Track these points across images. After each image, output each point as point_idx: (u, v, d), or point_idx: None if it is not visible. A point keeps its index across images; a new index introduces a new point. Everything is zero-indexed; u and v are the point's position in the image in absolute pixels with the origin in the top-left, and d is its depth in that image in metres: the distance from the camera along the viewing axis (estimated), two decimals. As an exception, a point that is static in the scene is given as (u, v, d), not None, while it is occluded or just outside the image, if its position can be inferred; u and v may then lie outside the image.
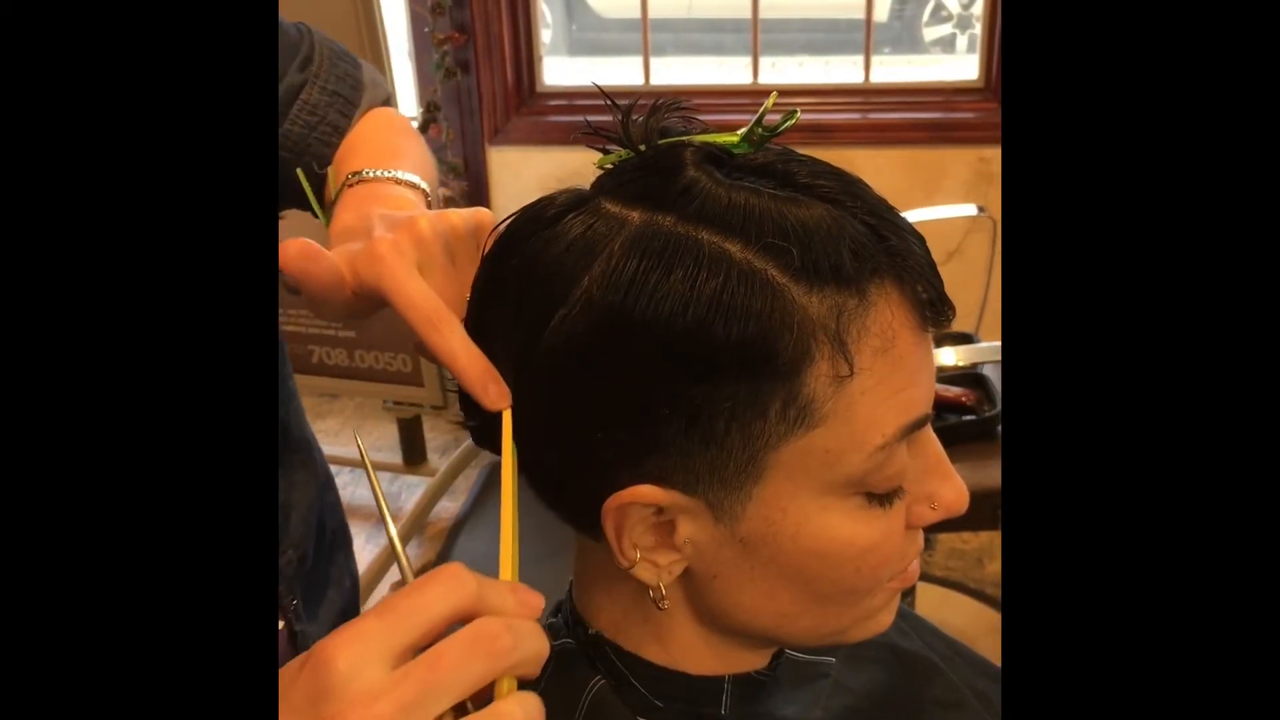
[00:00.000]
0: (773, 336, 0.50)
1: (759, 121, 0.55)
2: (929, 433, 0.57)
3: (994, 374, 1.74)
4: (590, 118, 0.60)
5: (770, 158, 0.55)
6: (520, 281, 0.55)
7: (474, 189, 2.91)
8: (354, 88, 0.87)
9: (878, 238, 0.53)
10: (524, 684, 0.47)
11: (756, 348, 0.50)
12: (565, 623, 0.65)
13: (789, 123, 0.56)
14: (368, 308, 0.61)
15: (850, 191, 0.53)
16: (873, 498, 0.55)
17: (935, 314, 0.54)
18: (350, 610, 0.93)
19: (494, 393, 0.56)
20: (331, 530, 0.91)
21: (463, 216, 0.63)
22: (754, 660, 0.64)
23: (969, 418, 1.67)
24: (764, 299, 0.50)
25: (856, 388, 0.52)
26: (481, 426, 0.59)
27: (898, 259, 0.53)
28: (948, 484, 0.58)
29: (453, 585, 0.46)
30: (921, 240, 0.54)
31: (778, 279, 0.51)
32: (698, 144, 0.55)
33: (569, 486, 0.57)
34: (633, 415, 0.52)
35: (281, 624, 0.81)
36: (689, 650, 0.61)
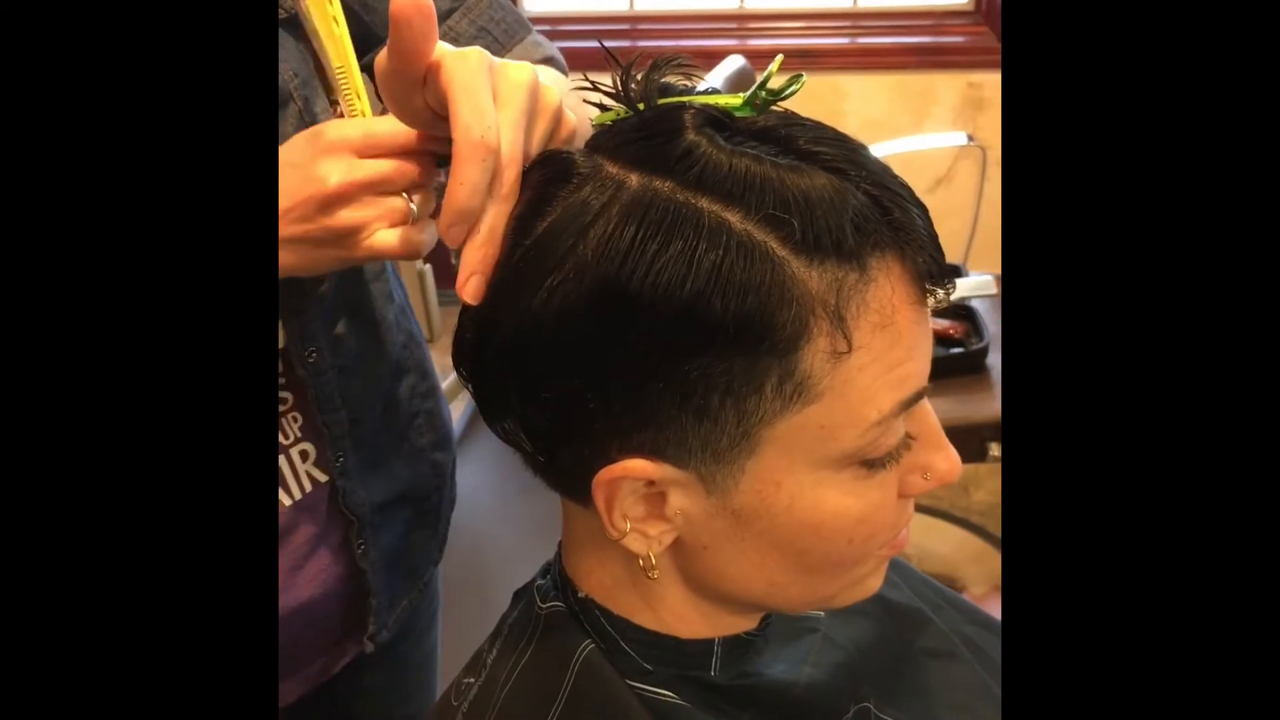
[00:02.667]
0: (771, 311, 0.49)
1: (762, 84, 0.53)
2: (924, 404, 0.56)
3: (983, 307, 1.74)
4: (578, 44, 0.58)
5: (772, 121, 0.53)
6: (511, 235, 0.54)
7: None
8: (506, 32, 0.87)
9: (880, 210, 0.51)
10: None
11: (754, 322, 0.49)
12: (554, 584, 0.65)
13: (794, 88, 0.54)
14: (424, 119, 0.58)
15: (852, 159, 0.52)
16: (870, 463, 0.54)
17: (936, 288, 0.53)
18: (411, 492, 0.95)
19: (471, 287, 0.54)
20: (411, 414, 0.94)
21: (558, 102, 0.58)
22: (744, 623, 0.64)
23: (957, 350, 1.67)
24: (763, 272, 0.49)
25: (854, 364, 0.51)
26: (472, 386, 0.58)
27: (900, 233, 0.51)
28: (941, 454, 0.57)
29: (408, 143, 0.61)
30: (924, 211, 0.53)
31: (778, 252, 0.49)
32: (698, 106, 0.53)
33: (558, 454, 0.56)
34: (626, 387, 0.51)
35: (325, 477, 0.85)
36: (679, 615, 0.61)
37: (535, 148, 0.56)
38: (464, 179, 0.51)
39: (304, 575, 0.85)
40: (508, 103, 0.53)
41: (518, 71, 0.55)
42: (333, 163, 0.60)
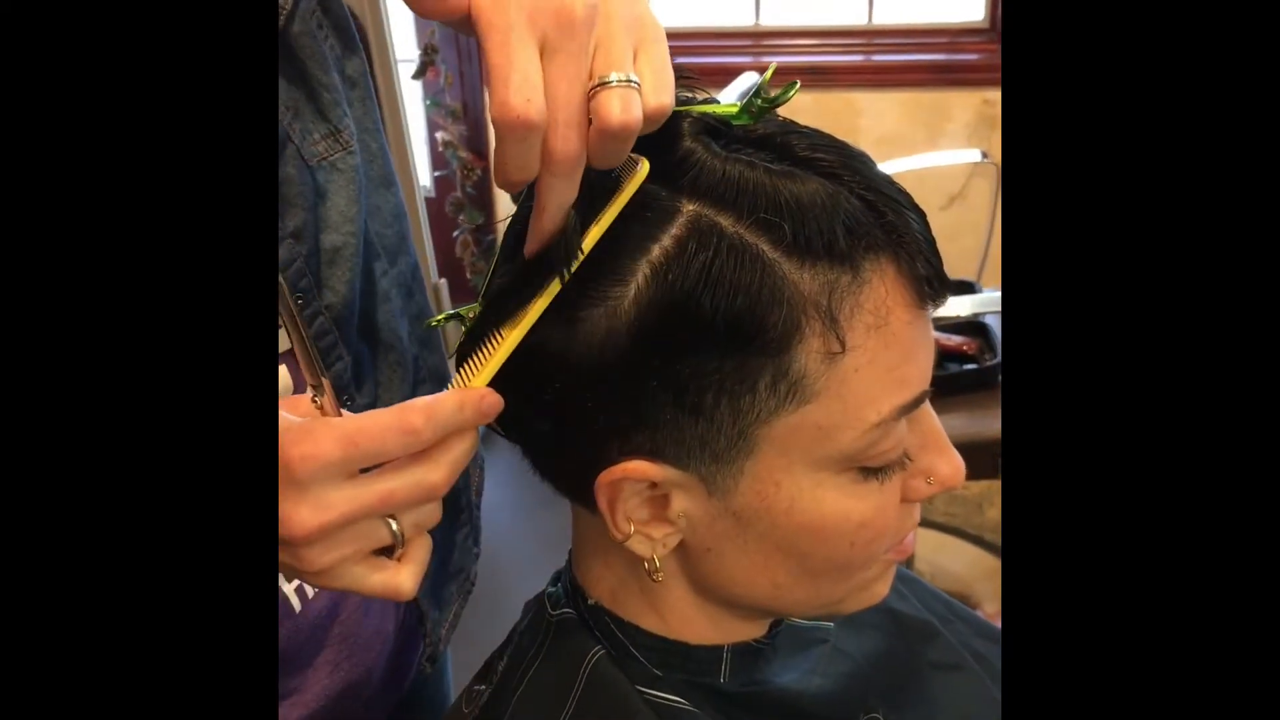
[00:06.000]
0: (761, 311, 0.50)
1: (758, 92, 0.54)
2: (926, 408, 0.57)
3: (996, 323, 1.74)
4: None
5: (770, 129, 0.54)
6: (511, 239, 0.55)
7: (473, 133, 2.89)
8: None
9: (874, 214, 0.52)
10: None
11: (744, 322, 0.50)
12: (564, 591, 0.66)
13: (789, 94, 0.55)
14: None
15: (849, 166, 0.53)
16: (867, 472, 0.55)
17: (933, 292, 0.53)
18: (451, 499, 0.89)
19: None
20: None
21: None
22: (752, 630, 0.64)
23: (970, 367, 1.67)
24: (753, 273, 0.50)
25: (849, 365, 0.52)
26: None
27: (894, 236, 0.52)
28: (944, 458, 0.58)
29: (408, 441, 0.50)
30: (921, 216, 0.54)
31: (769, 254, 0.50)
32: (695, 114, 0.54)
33: (562, 457, 0.57)
34: (621, 387, 0.52)
35: None
36: (686, 621, 0.62)
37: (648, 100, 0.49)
38: (503, 157, 0.48)
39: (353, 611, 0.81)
40: (556, 49, 0.47)
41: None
42: (302, 502, 0.49)
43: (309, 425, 0.50)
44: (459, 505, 0.95)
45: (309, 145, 0.71)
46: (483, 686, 0.66)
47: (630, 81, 0.48)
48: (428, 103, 2.88)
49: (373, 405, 0.80)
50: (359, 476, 0.51)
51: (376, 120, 0.80)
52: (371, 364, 0.81)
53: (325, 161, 0.72)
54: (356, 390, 0.77)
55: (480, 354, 0.53)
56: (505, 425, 0.58)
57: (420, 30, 2.80)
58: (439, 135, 2.87)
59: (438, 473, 0.51)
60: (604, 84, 0.48)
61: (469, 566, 0.97)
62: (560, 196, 0.49)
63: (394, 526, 0.52)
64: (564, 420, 0.55)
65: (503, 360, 0.53)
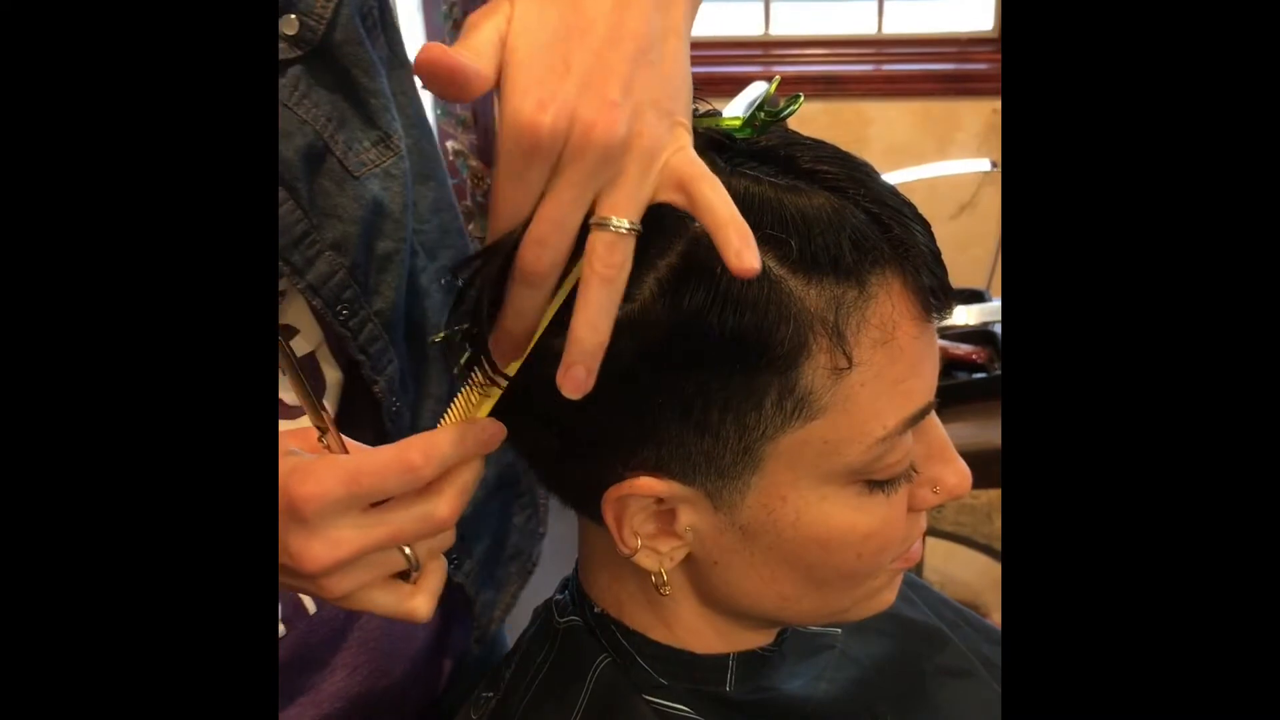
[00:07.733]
0: (769, 328, 0.50)
1: (761, 106, 0.54)
2: (932, 418, 0.57)
3: (1005, 332, 1.74)
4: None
5: (773, 141, 0.54)
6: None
7: (483, 142, 2.89)
8: None
9: (880, 227, 0.52)
10: None
11: (751, 339, 0.50)
12: (571, 600, 0.66)
13: (791, 108, 0.55)
14: None
15: (854, 178, 0.53)
16: (874, 484, 0.55)
17: (938, 304, 0.53)
18: (503, 477, 0.89)
19: (571, 378, 0.48)
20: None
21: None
22: (759, 638, 0.64)
23: (979, 375, 1.67)
24: (760, 290, 0.50)
25: (855, 380, 0.52)
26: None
27: (900, 249, 0.52)
28: (951, 468, 0.58)
29: (409, 479, 0.50)
30: (926, 227, 0.54)
31: (775, 270, 0.50)
32: (699, 129, 0.54)
33: (568, 472, 0.57)
34: (626, 403, 0.52)
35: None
36: (693, 631, 0.62)
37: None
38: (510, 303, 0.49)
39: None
40: (563, 166, 0.46)
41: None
42: (313, 539, 0.50)
43: (312, 464, 0.51)
44: (518, 489, 0.92)
45: (355, 155, 0.69)
46: (490, 694, 0.67)
47: (630, 229, 0.46)
48: (438, 112, 2.89)
49: (415, 406, 0.79)
50: (368, 511, 0.51)
51: (421, 113, 0.80)
52: (410, 363, 0.80)
53: (378, 169, 0.71)
54: (402, 392, 0.77)
55: (482, 378, 0.52)
56: (511, 439, 0.58)
57: (430, 38, 2.81)
58: (449, 144, 2.88)
59: (444, 506, 0.52)
60: (601, 224, 0.46)
61: (530, 548, 0.94)
62: (522, 303, 0.48)
63: (408, 553, 0.53)
64: (569, 436, 0.55)
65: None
